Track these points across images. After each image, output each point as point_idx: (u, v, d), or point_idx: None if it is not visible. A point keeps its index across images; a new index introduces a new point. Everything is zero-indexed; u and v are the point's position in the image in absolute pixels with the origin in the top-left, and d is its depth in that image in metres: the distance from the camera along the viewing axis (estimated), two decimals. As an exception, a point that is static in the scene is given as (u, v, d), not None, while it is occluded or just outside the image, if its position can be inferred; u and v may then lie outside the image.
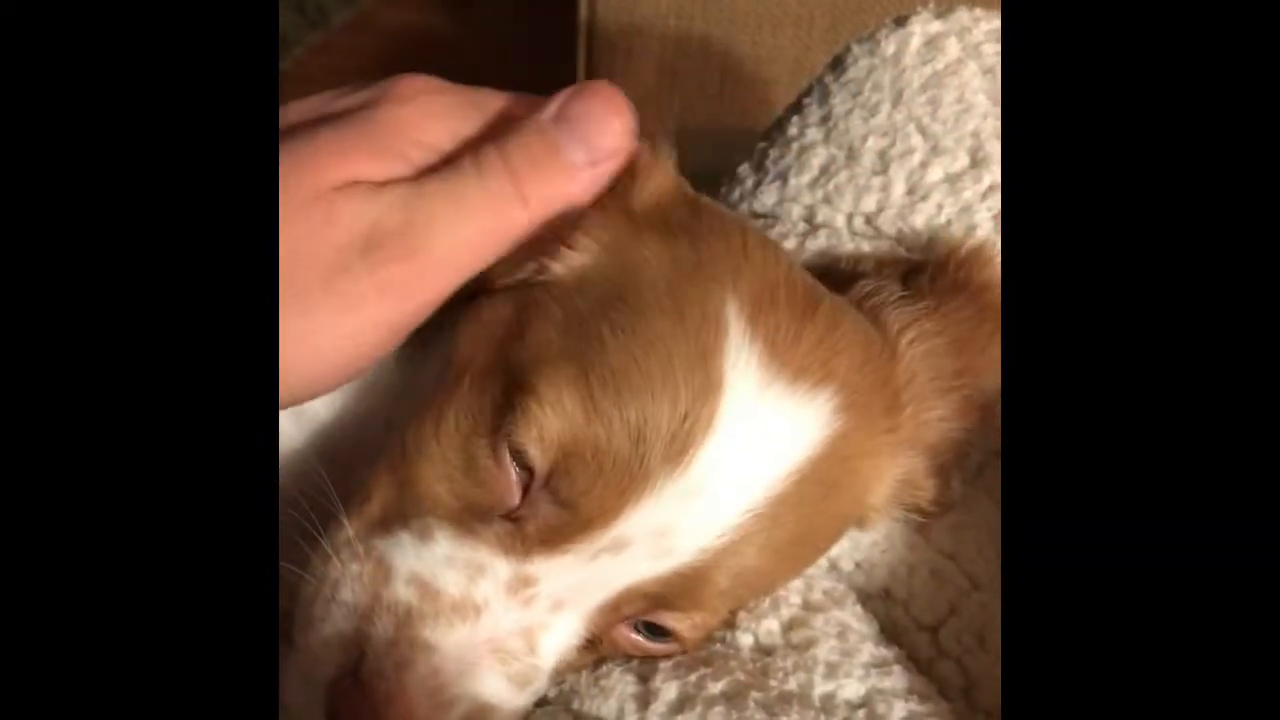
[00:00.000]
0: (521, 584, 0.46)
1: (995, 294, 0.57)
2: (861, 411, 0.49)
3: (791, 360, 0.46)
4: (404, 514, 0.48)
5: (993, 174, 0.66)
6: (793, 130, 0.74)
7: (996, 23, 0.72)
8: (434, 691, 0.44)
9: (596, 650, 0.51)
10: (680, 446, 0.44)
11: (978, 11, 0.73)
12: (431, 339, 0.53)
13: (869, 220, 0.68)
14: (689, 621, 0.49)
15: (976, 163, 0.66)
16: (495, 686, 0.46)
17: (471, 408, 0.48)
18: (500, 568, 0.46)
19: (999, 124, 0.67)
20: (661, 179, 0.52)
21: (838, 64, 0.75)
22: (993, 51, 0.70)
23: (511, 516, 0.47)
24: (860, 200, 0.68)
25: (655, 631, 0.50)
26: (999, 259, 0.59)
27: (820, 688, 0.49)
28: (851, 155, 0.70)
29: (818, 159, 0.71)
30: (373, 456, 0.52)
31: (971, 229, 0.64)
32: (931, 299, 0.56)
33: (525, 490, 0.47)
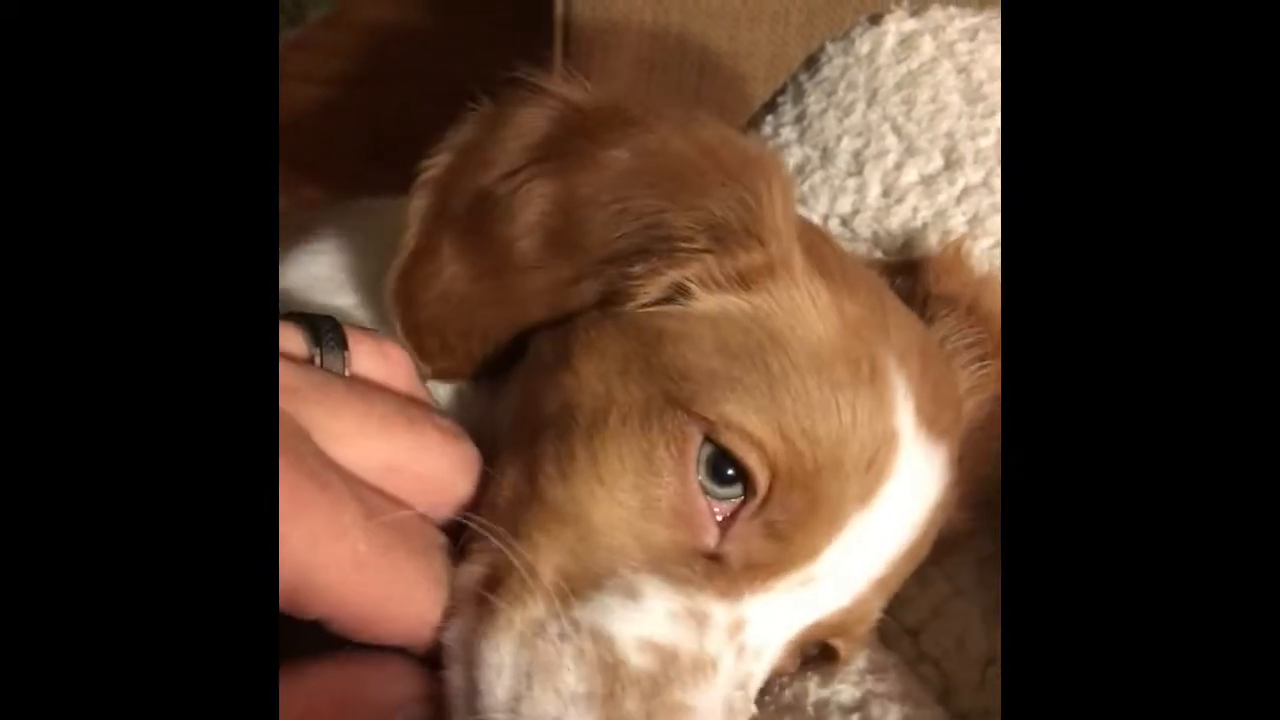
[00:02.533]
0: (735, 628, 0.43)
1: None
2: (953, 462, 0.50)
3: (928, 412, 0.48)
4: (585, 574, 0.43)
5: (967, 176, 0.66)
6: (767, 129, 0.74)
7: (970, 20, 0.72)
8: None
9: None
10: (870, 486, 0.45)
11: (951, 9, 0.73)
12: (495, 381, 0.52)
13: (845, 222, 0.68)
14: (851, 646, 0.50)
15: (950, 164, 0.66)
16: None
17: (637, 446, 0.44)
18: (720, 614, 0.43)
19: (973, 124, 0.67)
20: (795, 205, 0.50)
21: (812, 63, 0.75)
22: (966, 50, 0.70)
23: (711, 555, 0.44)
24: (836, 202, 0.68)
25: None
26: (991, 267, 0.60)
27: (814, 694, 0.49)
28: (826, 156, 0.70)
29: (793, 159, 0.71)
30: None
31: (946, 233, 0.64)
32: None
33: (723, 524, 0.44)
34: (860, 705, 0.49)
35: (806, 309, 0.47)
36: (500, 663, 0.42)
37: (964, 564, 0.56)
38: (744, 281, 0.47)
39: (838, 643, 0.49)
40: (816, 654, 0.50)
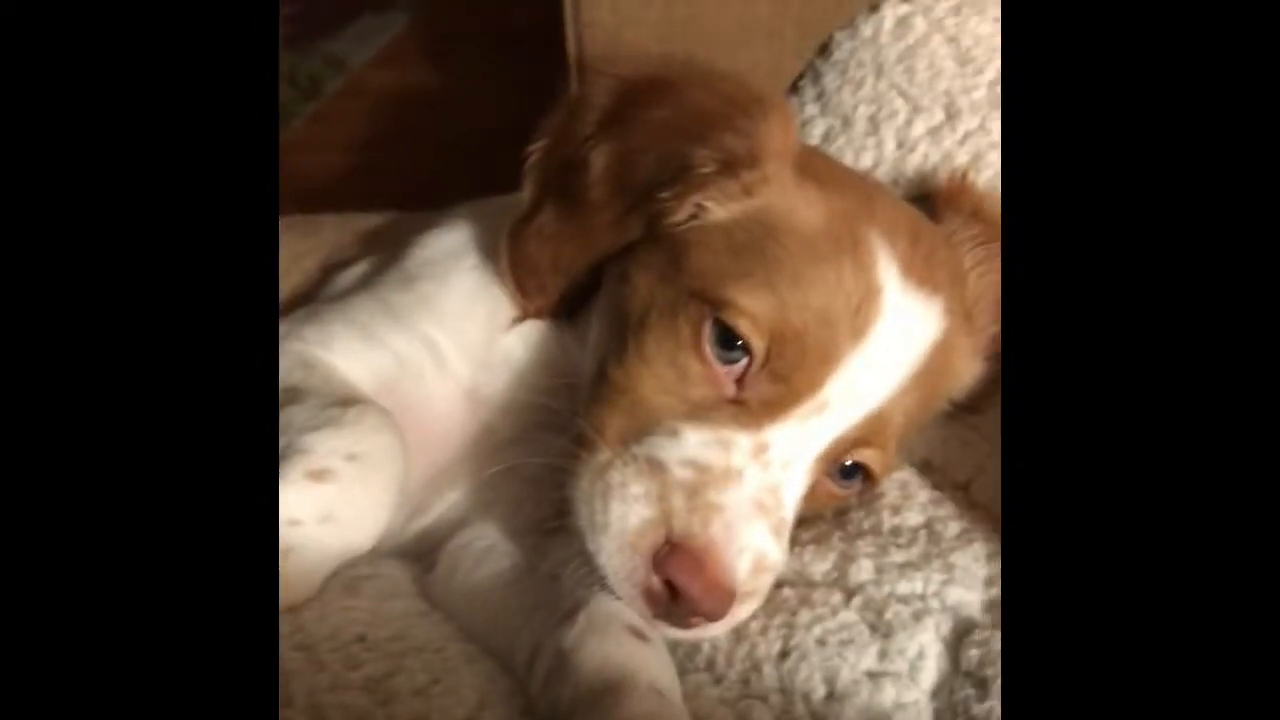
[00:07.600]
0: (759, 450, 0.58)
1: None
2: (955, 317, 0.63)
3: (916, 273, 0.61)
4: (640, 428, 0.59)
5: (965, 124, 0.79)
6: (792, 108, 0.87)
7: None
8: (731, 540, 0.55)
9: (809, 503, 0.62)
10: (859, 329, 0.58)
11: (937, -8, 0.86)
12: (579, 323, 0.69)
13: (866, 175, 0.80)
14: (879, 457, 0.62)
15: (951, 116, 0.79)
16: (764, 536, 0.56)
17: (668, 331, 0.60)
18: (742, 440, 0.58)
19: (965, 81, 0.80)
20: (796, 133, 0.65)
21: (824, 49, 0.88)
22: (953, 23, 0.83)
23: (735, 401, 0.59)
24: (858, 159, 0.81)
25: (846, 476, 0.62)
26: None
27: (888, 522, 0.62)
28: (846, 123, 0.83)
29: (818, 129, 0.84)
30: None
31: (953, 170, 0.77)
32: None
33: (738, 379, 0.59)
34: (926, 525, 0.61)
35: (798, 205, 0.62)
36: (583, 492, 0.59)
37: (998, 424, 0.68)
38: (748, 192, 0.62)
39: (865, 454, 0.62)
40: (858, 477, 0.63)
